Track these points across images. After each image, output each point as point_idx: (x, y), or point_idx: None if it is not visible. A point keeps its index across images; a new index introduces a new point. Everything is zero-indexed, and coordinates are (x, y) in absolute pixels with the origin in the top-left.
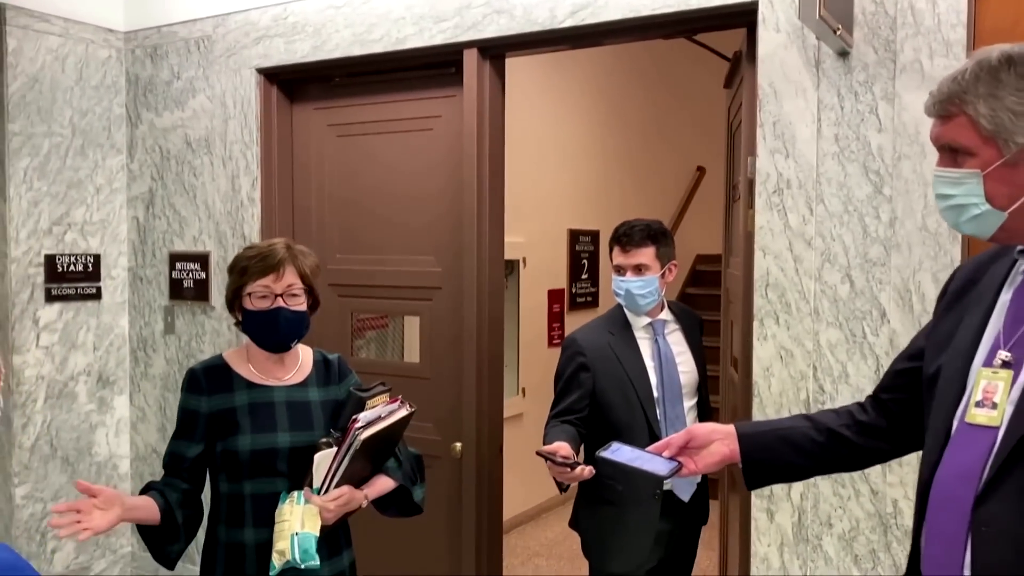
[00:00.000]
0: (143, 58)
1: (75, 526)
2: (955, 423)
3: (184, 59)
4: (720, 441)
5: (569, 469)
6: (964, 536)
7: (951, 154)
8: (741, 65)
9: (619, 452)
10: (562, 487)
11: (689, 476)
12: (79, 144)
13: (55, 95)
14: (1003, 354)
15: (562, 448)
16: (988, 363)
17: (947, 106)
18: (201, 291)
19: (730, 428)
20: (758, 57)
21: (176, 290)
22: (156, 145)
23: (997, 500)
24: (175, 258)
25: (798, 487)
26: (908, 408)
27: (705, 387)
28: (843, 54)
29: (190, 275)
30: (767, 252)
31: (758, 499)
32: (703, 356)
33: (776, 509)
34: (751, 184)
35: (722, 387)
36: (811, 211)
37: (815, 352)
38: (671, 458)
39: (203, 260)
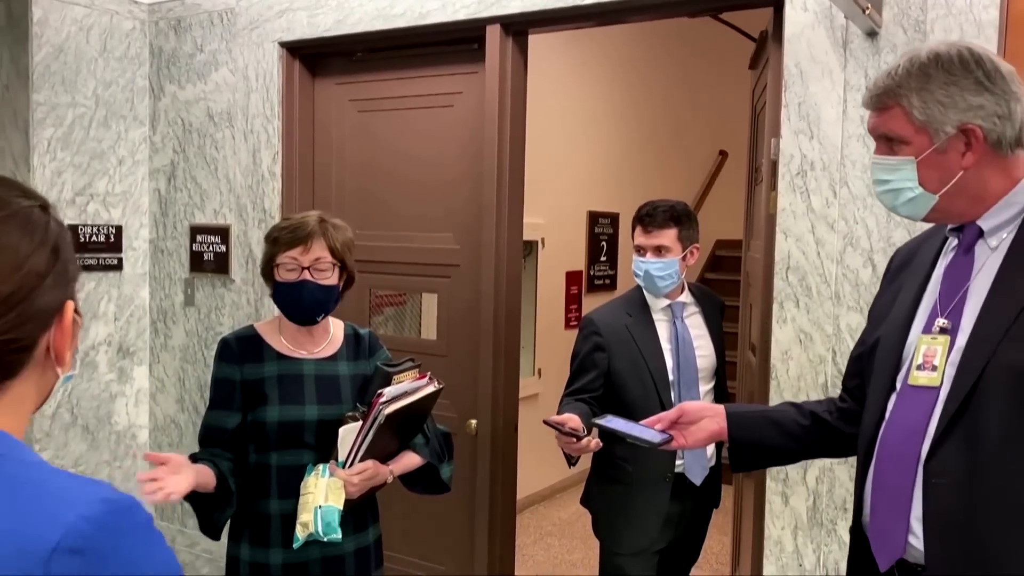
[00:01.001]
0: (167, 30)
1: (160, 492)
2: (898, 385)
3: (207, 32)
4: (710, 418)
5: (576, 440)
6: (911, 487)
7: (887, 143)
8: (767, 45)
9: (613, 421)
10: (571, 460)
11: (678, 448)
12: (102, 115)
13: (79, 66)
14: (940, 321)
15: (571, 419)
16: (927, 330)
17: (883, 99)
18: (221, 264)
19: (720, 407)
20: (784, 37)
21: (196, 262)
22: (178, 118)
23: (944, 454)
24: (196, 230)
25: (814, 471)
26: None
27: (723, 372)
28: (871, 34)
29: (210, 248)
30: (789, 234)
31: (773, 482)
32: (723, 340)
33: (791, 493)
34: (774, 166)
35: (739, 371)
36: (835, 194)
37: (835, 336)
38: (662, 431)
39: (223, 233)
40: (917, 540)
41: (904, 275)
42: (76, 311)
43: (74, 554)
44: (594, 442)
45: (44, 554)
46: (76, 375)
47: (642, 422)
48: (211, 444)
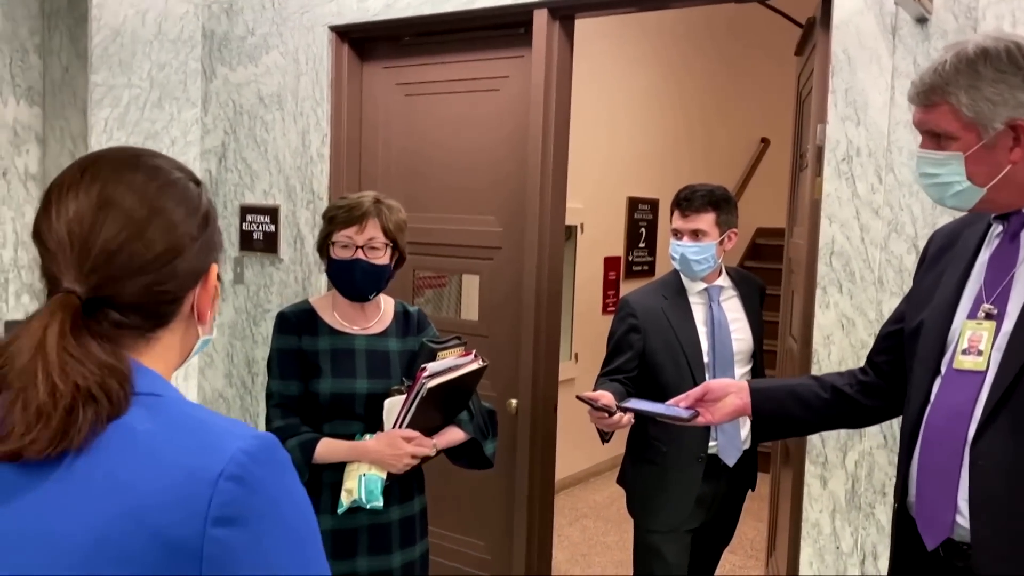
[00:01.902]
0: (219, 14)
1: None
2: (942, 369)
3: (259, 15)
4: (734, 394)
5: (608, 415)
6: (958, 468)
7: (934, 138)
8: (814, 31)
9: (639, 403)
10: (604, 437)
11: (704, 424)
12: (156, 97)
13: (135, 48)
14: (986, 307)
15: (603, 396)
16: (972, 315)
17: (930, 95)
18: (270, 243)
19: (743, 383)
20: (832, 23)
21: (246, 242)
22: (229, 99)
23: (991, 437)
24: (246, 210)
25: (853, 455)
26: (897, 368)
27: (760, 355)
28: (921, 20)
29: (260, 227)
30: (833, 220)
31: (812, 466)
32: (761, 324)
33: (830, 476)
34: (820, 152)
35: (779, 358)
36: (880, 180)
37: (877, 322)
38: (688, 407)
39: (273, 213)
40: (964, 520)
41: (946, 259)
42: (218, 276)
43: (234, 480)
44: (626, 418)
45: (212, 478)
46: None
47: (668, 401)
48: (286, 410)
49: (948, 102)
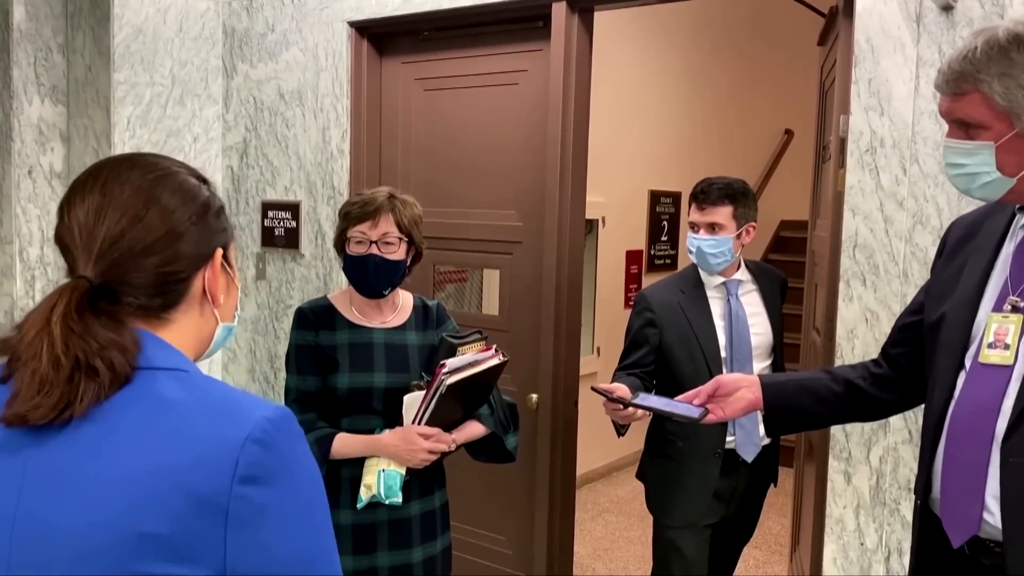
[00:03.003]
0: (239, 11)
1: None
2: (967, 363)
3: (278, 12)
4: (746, 388)
5: (622, 407)
6: (985, 464)
7: (963, 127)
8: (837, 21)
9: (649, 400)
10: (619, 430)
11: (716, 422)
12: (178, 94)
13: (157, 46)
14: (1013, 299)
15: (618, 388)
16: (998, 308)
17: (960, 83)
18: (292, 239)
19: (755, 377)
20: (855, 12)
21: (268, 237)
22: (250, 96)
23: (1023, 433)
24: (267, 207)
25: (877, 451)
26: (914, 360)
27: (780, 350)
28: (946, 8)
29: (281, 223)
30: (857, 212)
31: (835, 461)
32: (781, 318)
33: (854, 472)
34: (843, 143)
35: (803, 352)
36: (904, 171)
37: None
38: (699, 405)
39: (294, 209)
40: (992, 517)
41: (967, 250)
42: (228, 262)
43: (259, 443)
44: (640, 411)
45: (239, 441)
46: None
47: (679, 397)
48: (304, 405)
49: (980, 90)
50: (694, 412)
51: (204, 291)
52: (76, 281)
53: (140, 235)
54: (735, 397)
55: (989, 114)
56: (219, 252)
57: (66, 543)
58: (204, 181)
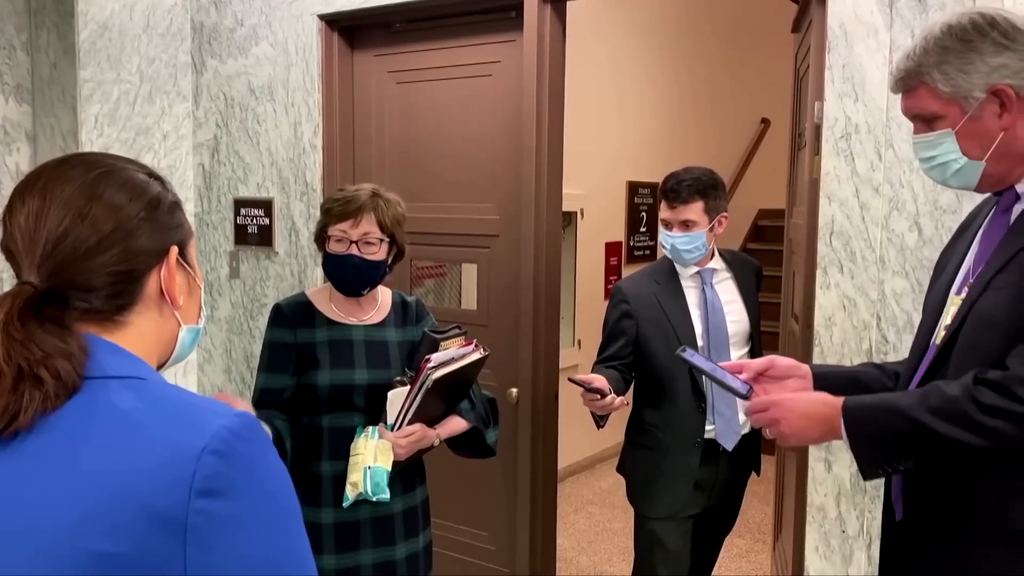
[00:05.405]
0: (207, 5)
1: None
2: (931, 345)
3: (247, 6)
4: (798, 379)
5: (600, 397)
6: None
7: (924, 122)
8: (811, 7)
9: (697, 358)
10: (598, 421)
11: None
12: (147, 91)
13: (123, 42)
14: (970, 282)
15: (595, 379)
16: (959, 291)
17: (907, 81)
18: (265, 236)
19: (807, 368)
20: None
21: (241, 235)
22: (220, 92)
23: None
24: (240, 204)
25: None
26: None
27: (758, 337)
28: None
29: (254, 221)
30: (832, 199)
31: (816, 449)
32: (757, 305)
33: (834, 460)
34: (818, 130)
35: (782, 340)
36: (880, 157)
37: (879, 302)
38: (745, 381)
39: (267, 206)
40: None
41: (962, 238)
42: (187, 260)
43: (217, 454)
44: (618, 400)
45: (196, 452)
46: None
47: (724, 365)
48: (266, 406)
49: (924, 83)
50: (740, 387)
51: (161, 291)
52: (19, 287)
53: (85, 234)
54: (783, 384)
55: (938, 103)
56: (174, 250)
57: (14, 565)
58: (156, 177)
